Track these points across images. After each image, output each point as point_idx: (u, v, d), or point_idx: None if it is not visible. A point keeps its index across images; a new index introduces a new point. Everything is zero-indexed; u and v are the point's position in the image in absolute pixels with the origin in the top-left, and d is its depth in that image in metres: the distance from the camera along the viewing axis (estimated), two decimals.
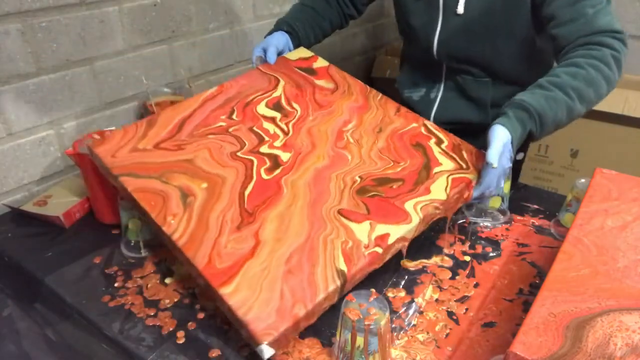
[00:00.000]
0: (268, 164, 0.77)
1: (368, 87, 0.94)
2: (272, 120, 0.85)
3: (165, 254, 0.81)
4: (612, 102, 1.52)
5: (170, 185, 0.73)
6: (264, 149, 0.80)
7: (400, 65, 1.16)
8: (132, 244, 0.82)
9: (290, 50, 1.02)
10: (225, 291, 0.60)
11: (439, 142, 0.82)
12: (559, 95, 0.74)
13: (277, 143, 0.81)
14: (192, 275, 0.68)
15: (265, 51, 0.98)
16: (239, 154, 0.79)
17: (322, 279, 0.61)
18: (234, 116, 0.86)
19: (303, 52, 1.02)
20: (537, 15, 0.86)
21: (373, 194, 0.72)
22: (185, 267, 0.71)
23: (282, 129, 0.84)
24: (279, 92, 0.91)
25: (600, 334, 0.48)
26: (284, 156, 0.79)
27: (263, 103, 0.89)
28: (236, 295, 0.60)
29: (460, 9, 0.90)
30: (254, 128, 0.84)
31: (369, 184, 0.74)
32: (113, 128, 0.94)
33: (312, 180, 0.75)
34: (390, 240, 0.66)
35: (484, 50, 0.93)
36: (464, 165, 0.77)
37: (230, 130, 0.83)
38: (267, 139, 0.82)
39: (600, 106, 1.47)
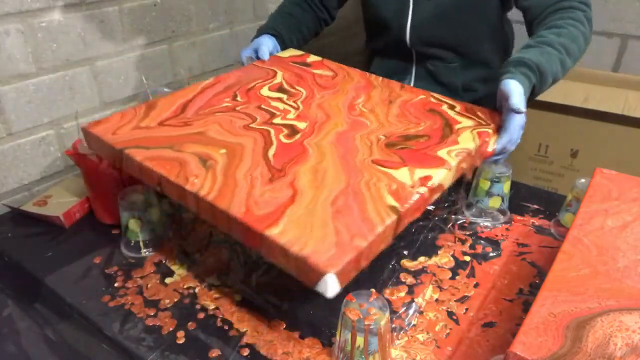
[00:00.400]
0: (286, 131, 0.73)
1: (366, 72, 0.95)
2: (279, 99, 0.83)
3: (166, 254, 0.81)
4: (612, 102, 1.52)
5: (184, 152, 0.68)
6: (278, 120, 0.76)
7: (368, 61, 1.17)
8: (132, 244, 0.82)
9: (278, 52, 1.02)
10: (273, 232, 0.54)
11: (451, 107, 0.81)
12: (549, 50, 0.78)
13: (290, 116, 0.78)
14: (229, 233, 0.61)
15: (256, 52, 0.99)
16: (252, 125, 0.75)
17: (375, 215, 0.57)
18: (238, 98, 0.83)
19: (294, 52, 1.03)
20: None
21: (402, 147, 0.70)
22: (218, 228, 0.63)
23: (291, 106, 0.81)
24: (279, 79, 0.90)
25: (600, 334, 0.48)
26: (301, 125, 0.75)
27: (266, 87, 0.87)
28: (286, 235, 0.54)
29: None
30: (262, 106, 0.81)
31: (396, 140, 0.72)
32: None
33: (336, 141, 0.71)
34: (435, 182, 0.63)
35: (455, 32, 0.97)
36: (483, 122, 0.77)
37: (238, 109, 0.80)
38: (278, 113, 0.78)
39: (600, 106, 1.49)
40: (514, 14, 1.08)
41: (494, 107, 0.79)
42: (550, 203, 0.93)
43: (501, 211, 0.89)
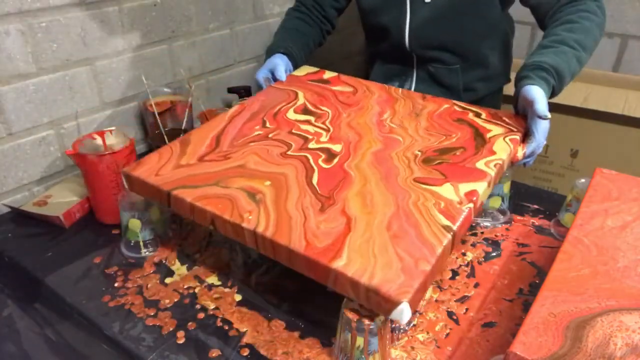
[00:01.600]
0: (323, 156, 0.74)
1: (385, 85, 0.95)
2: (308, 122, 0.84)
3: (166, 254, 0.81)
4: (612, 102, 1.52)
5: (231, 188, 0.68)
6: (312, 145, 0.77)
7: (369, 65, 1.18)
8: (132, 244, 0.82)
9: (292, 71, 1.02)
10: (339, 264, 0.55)
11: (477, 114, 0.82)
12: (565, 49, 0.79)
13: (323, 139, 0.79)
14: (291, 267, 0.61)
15: (272, 72, 0.98)
16: (289, 153, 0.76)
17: (432, 236, 0.58)
18: (267, 125, 0.84)
19: (309, 69, 1.03)
20: None
21: (439, 161, 0.71)
22: (281, 262, 0.62)
23: (321, 128, 0.82)
24: (301, 100, 0.91)
25: (600, 334, 0.48)
26: (336, 147, 0.76)
27: (291, 110, 0.87)
28: (352, 265, 0.55)
29: None
30: (293, 131, 0.81)
31: (432, 155, 0.73)
32: (113, 128, 0.94)
33: (375, 161, 0.72)
34: (480, 195, 0.64)
35: (453, 33, 0.97)
36: (513, 128, 0.77)
37: (271, 136, 0.80)
38: (311, 137, 0.79)
39: (600, 106, 1.49)
40: (517, 13, 1.08)
41: (515, 110, 0.80)
42: (550, 203, 0.93)
43: (501, 211, 0.89)
